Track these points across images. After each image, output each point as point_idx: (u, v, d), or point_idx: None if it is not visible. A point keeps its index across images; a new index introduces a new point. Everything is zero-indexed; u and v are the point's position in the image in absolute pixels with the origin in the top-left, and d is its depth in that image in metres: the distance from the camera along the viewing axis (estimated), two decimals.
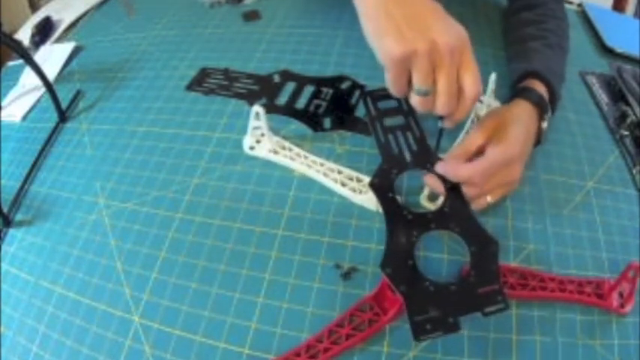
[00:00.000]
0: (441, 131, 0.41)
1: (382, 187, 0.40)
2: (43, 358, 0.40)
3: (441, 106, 0.37)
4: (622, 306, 0.39)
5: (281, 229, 0.44)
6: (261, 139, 0.51)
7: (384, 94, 0.47)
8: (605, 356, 0.37)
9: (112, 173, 0.52)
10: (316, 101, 0.56)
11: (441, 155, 0.43)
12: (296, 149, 0.50)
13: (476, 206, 0.42)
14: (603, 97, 0.59)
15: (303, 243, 0.43)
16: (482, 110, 0.52)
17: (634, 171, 0.50)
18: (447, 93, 0.36)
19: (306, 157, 0.49)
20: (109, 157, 0.54)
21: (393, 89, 0.38)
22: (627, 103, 0.57)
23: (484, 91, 0.51)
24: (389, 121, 0.46)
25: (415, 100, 0.37)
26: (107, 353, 0.39)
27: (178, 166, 0.51)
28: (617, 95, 0.59)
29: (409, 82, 0.37)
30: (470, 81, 0.37)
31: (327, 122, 0.54)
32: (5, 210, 0.50)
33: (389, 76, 0.37)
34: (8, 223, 0.50)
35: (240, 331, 0.38)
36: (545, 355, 0.36)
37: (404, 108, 0.47)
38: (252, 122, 0.50)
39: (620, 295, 0.39)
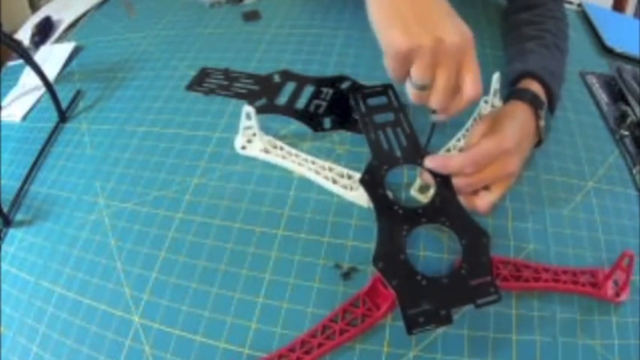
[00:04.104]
0: (432, 126, 0.42)
1: (373, 183, 0.40)
2: (43, 358, 0.40)
3: (434, 102, 0.38)
4: (617, 295, 0.39)
5: (281, 229, 0.44)
6: (253, 138, 0.51)
7: (373, 92, 0.48)
8: (605, 356, 0.37)
9: (112, 173, 0.52)
10: (316, 101, 0.56)
11: (433, 152, 0.43)
12: (287, 148, 0.50)
13: (481, 207, 0.42)
14: (603, 97, 0.59)
15: (303, 243, 0.43)
16: (486, 110, 0.52)
17: (634, 171, 0.50)
18: (444, 91, 0.37)
19: (297, 156, 0.49)
20: (109, 157, 0.54)
21: (392, 77, 0.38)
22: (627, 103, 0.57)
23: (487, 91, 0.51)
24: (379, 118, 0.46)
25: (411, 92, 0.38)
26: (107, 353, 0.39)
27: (178, 166, 0.51)
28: (617, 95, 0.59)
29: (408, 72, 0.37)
30: (470, 82, 0.37)
31: (327, 122, 0.54)
32: (5, 210, 0.50)
33: (389, 65, 0.37)
34: (8, 223, 0.50)
35: (240, 331, 0.38)
36: (545, 355, 0.36)
37: (394, 105, 0.47)
38: (244, 122, 0.50)
39: (615, 283, 0.39)
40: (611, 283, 0.39)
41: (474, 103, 0.38)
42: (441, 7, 0.37)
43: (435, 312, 0.33)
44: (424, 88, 0.37)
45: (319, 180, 0.47)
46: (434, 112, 0.40)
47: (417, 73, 0.36)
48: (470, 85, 0.37)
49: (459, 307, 0.36)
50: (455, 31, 0.35)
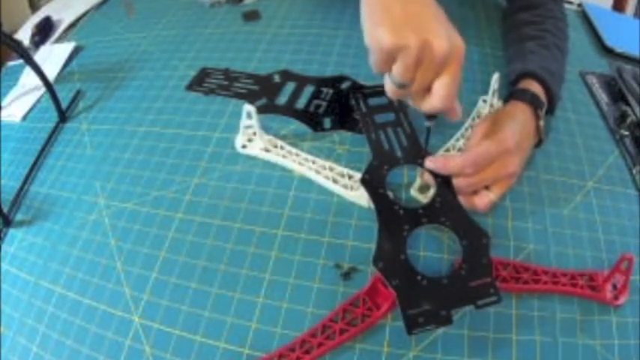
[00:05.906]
0: (428, 131, 0.42)
1: (373, 183, 0.40)
2: (43, 358, 0.40)
3: (412, 102, 0.38)
4: (616, 298, 0.39)
5: (281, 229, 0.44)
6: (253, 137, 0.51)
7: (373, 92, 0.48)
8: (605, 356, 0.37)
9: (112, 173, 0.52)
10: (316, 101, 0.56)
11: (432, 153, 0.43)
12: (288, 147, 0.50)
13: (481, 206, 0.42)
14: (603, 97, 0.59)
15: (303, 243, 0.43)
16: (485, 109, 0.52)
17: (634, 171, 0.50)
18: (420, 94, 0.37)
19: (297, 155, 0.49)
20: (109, 157, 0.54)
21: (374, 69, 0.37)
22: (627, 103, 0.57)
23: (487, 91, 0.51)
24: (379, 118, 0.46)
25: (388, 86, 0.37)
26: (107, 353, 0.39)
27: (178, 166, 0.51)
28: (617, 95, 0.59)
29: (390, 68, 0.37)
30: (440, 94, 0.36)
31: (327, 122, 0.54)
32: (5, 210, 0.50)
33: (372, 59, 0.36)
34: (8, 223, 0.50)
35: (240, 331, 0.38)
36: (545, 355, 0.36)
37: (394, 104, 0.47)
38: (244, 121, 0.50)
39: (614, 286, 0.40)
40: (610, 286, 0.39)
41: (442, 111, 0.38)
42: (434, 13, 0.36)
43: (435, 312, 0.33)
44: (402, 87, 0.36)
45: (320, 180, 0.47)
46: (429, 117, 0.40)
47: (397, 71, 0.35)
48: (438, 96, 0.36)
49: (459, 308, 0.36)
50: (445, 38, 0.34)
